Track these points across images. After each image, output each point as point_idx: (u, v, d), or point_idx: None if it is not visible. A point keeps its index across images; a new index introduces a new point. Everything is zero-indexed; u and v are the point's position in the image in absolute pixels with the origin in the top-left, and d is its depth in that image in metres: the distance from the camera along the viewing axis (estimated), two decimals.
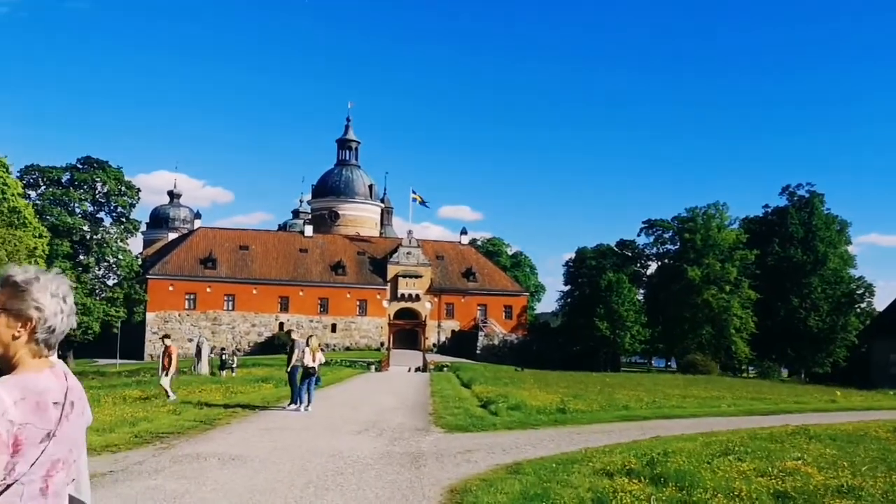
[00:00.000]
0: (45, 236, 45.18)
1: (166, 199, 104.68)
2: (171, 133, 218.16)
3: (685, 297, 75.00)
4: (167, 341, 18.95)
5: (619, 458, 9.69)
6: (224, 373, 32.27)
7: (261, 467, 9.04)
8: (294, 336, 17.75)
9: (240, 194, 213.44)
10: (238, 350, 67.57)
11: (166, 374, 17.87)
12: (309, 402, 16.53)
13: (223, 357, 33.67)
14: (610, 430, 14.23)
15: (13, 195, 39.56)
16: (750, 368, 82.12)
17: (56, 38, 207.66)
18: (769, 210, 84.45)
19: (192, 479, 8.22)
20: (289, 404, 16.85)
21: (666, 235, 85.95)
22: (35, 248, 40.16)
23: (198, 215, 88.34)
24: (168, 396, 17.30)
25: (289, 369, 16.94)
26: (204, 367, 31.74)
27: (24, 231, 39.19)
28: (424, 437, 12.41)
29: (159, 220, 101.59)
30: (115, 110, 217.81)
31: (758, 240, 78.66)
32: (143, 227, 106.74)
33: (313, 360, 16.73)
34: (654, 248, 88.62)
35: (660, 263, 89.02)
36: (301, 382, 16.56)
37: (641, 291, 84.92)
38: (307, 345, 16.94)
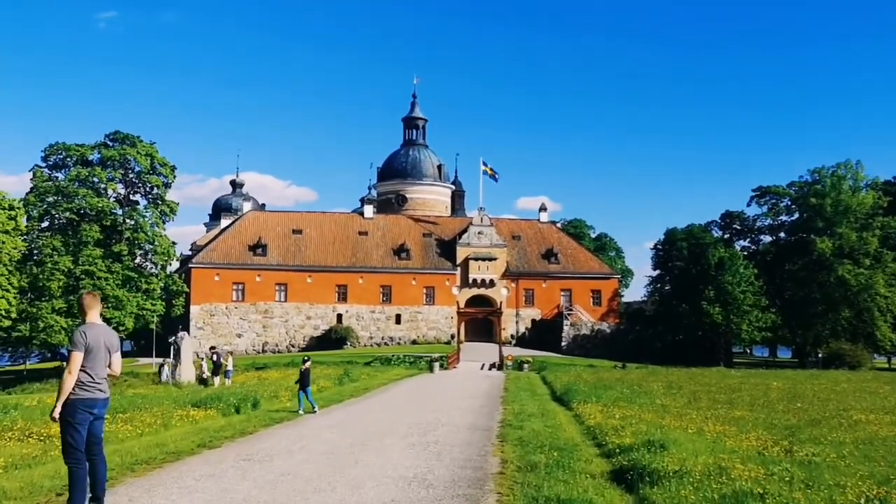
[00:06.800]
0: (18, 208, 36.77)
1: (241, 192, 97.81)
2: (260, 134, 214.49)
3: (813, 274, 62.36)
4: None
5: None
6: (217, 379, 23.17)
7: None
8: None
9: (323, 192, 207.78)
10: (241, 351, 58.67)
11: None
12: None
13: (215, 358, 24.49)
14: None
15: None
16: (876, 358, 68.79)
17: (149, 50, 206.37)
18: None
19: None
20: None
21: (782, 204, 72.60)
22: None
23: (262, 206, 77.29)
24: None
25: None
26: (186, 372, 22.57)
27: None
28: None
29: (220, 210, 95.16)
30: (190, 117, 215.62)
31: None
32: (206, 219, 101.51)
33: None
34: (768, 220, 75.20)
35: (774, 238, 75.79)
36: None
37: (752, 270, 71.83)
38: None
